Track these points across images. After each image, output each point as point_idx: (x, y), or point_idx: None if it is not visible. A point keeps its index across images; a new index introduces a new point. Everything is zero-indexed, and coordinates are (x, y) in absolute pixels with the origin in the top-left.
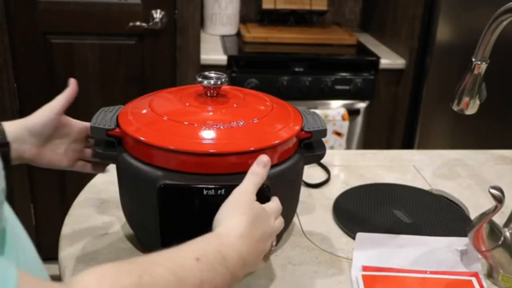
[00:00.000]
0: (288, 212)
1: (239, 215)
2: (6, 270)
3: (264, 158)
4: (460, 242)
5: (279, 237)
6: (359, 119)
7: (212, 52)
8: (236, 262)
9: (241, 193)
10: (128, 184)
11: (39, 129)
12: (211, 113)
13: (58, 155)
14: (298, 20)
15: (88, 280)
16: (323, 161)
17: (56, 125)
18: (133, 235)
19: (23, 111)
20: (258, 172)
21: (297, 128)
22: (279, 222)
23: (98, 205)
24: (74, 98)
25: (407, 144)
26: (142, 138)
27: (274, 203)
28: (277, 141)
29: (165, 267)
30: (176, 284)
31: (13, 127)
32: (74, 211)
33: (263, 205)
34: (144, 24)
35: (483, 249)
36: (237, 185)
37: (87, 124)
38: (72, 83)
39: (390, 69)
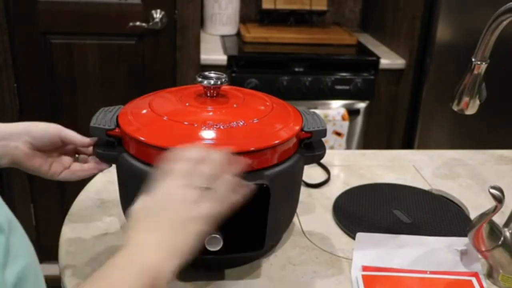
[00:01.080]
0: (288, 212)
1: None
2: None
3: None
4: (460, 242)
5: (279, 235)
6: (359, 119)
7: (212, 52)
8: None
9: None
10: (128, 184)
11: (38, 134)
12: (211, 113)
13: (48, 163)
14: (298, 20)
15: None
16: (323, 161)
17: (55, 141)
18: None
19: (23, 111)
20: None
21: (297, 128)
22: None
23: (98, 205)
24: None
25: (407, 144)
26: (142, 138)
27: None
28: (277, 141)
29: None
30: None
31: (10, 126)
32: (74, 211)
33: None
34: (144, 24)
35: (483, 249)
36: None
37: (80, 139)
38: (90, 141)
39: (390, 69)
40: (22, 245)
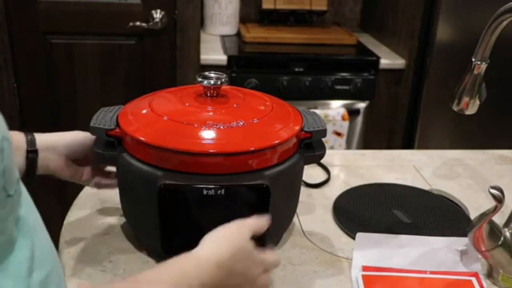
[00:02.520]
0: (288, 212)
1: (225, 241)
2: None
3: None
4: (460, 242)
5: (279, 235)
6: (359, 119)
7: (212, 52)
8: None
9: (237, 225)
10: (128, 184)
11: (74, 146)
12: (211, 113)
13: (80, 171)
14: (298, 20)
15: None
16: (323, 161)
17: (87, 150)
18: (133, 235)
19: (23, 111)
20: (260, 223)
21: (297, 128)
22: (266, 277)
23: (98, 205)
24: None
25: (407, 144)
26: (142, 138)
27: (273, 256)
28: (277, 141)
29: None
30: None
31: (48, 137)
32: (74, 211)
33: (258, 250)
34: (144, 24)
35: (483, 249)
36: (237, 185)
37: None
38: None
39: (390, 69)
40: (47, 251)
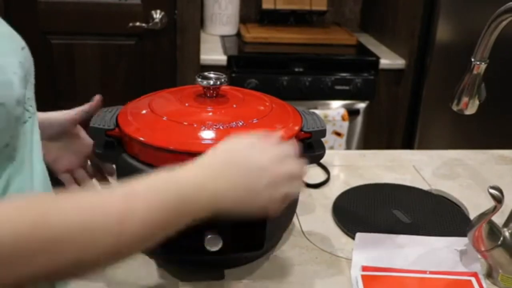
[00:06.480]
0: (288, 212)
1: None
2: None
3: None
4: (459, 242)
5: (279, 235)
6: (359, 119)
7: (212, 52)
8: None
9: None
10: None
11: (45, 126)
12: (210, 114)
13: (64, 159)
14: (298, 20)
15: None
16: (323, 161)
17: (63, 130)
18: None
19: None
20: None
21: (297, 128)
22: (290, 185)
23: None
24: (94, 112)
25: (407, 144)
26: (141, 139)
27: (285, 145)
28: None
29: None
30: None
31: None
32: None
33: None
34: (144, 24)
35: (483, 249)
36: None
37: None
38: (96, 99)
39: (390, 69)
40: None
